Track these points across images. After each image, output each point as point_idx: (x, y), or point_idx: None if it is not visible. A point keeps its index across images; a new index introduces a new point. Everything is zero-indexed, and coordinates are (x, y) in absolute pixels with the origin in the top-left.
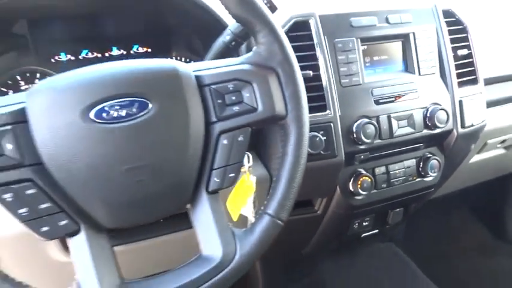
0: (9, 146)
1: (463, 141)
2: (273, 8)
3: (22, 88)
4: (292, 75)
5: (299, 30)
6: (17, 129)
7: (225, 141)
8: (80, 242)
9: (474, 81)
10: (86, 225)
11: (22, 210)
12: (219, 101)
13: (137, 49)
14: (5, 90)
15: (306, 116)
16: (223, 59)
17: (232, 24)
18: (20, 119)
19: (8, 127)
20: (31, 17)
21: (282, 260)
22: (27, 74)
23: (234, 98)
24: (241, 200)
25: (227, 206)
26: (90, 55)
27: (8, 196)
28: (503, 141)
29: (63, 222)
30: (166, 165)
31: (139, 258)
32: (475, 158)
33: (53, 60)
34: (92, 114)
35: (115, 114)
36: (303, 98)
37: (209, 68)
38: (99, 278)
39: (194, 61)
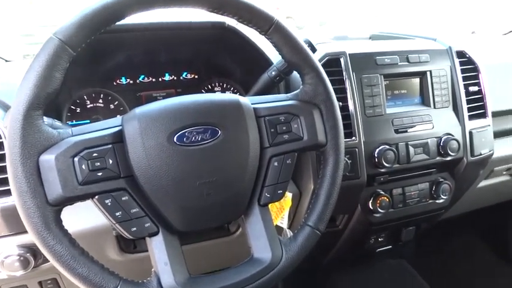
0: (110, 161)
1: (472, 168)
2: (313, 50)
3: (88, 106)
4: (333, 111)
5: (331, 66)
6: (116, 147)
7: (276, 163)
8: (158, 242)
9: (483, 115)
10: (163, 228)
11: (118, 213)
12: (272, 130)
13: (186, 75)
14: (74, 107)
15: (343, 145)
16: (271, 94)
17: (277, 61)
18: (118, 139)
19: (110, 146)
20: (101, 48)
21: (300, 270)
22: (93, 95)
23: (284, 128)
24: (278, 213)
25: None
26: (146, 80)
27: (108, 201)
28: (508, 169)
29: (147, 225)
30: (229, 181)
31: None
32: (483, 183)
33: (114, 83)
34: (175, 138)
35: (193, 138)
36: (341, 130)
37: (264, 101)
38: (173, 272)
39: (233, 87)
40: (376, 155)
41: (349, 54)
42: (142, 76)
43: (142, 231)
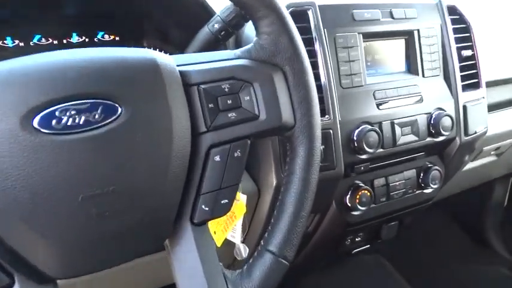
0: None
1: (464, 150)
2: None
3: None
4: (303, 75)
5: (296, 21)
6: None
7: (217, 158)
8: None
9: (477, 85)
10: (22, 277)
11: None
12: (211, 105)
13: (102, 36)
14: None
15: (318, 127)
16: (211, 51)
17: (222, 10)
18: None
19: None
20: None
21: None
22: None
23: (229, 102)
24: (228, 222)
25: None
26: (44, 41)
27: None
28: (497, 149)
29: None
30: (140, 191)
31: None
32: (469, 165)
33: None
34: (35, 122)
35: (69, 121)
36: (315, 103)
37: (198, 62)
38: None
39: (172, 53)
40: (355, 138)
41: (319, 6)
42: (38, 36)
43: None
